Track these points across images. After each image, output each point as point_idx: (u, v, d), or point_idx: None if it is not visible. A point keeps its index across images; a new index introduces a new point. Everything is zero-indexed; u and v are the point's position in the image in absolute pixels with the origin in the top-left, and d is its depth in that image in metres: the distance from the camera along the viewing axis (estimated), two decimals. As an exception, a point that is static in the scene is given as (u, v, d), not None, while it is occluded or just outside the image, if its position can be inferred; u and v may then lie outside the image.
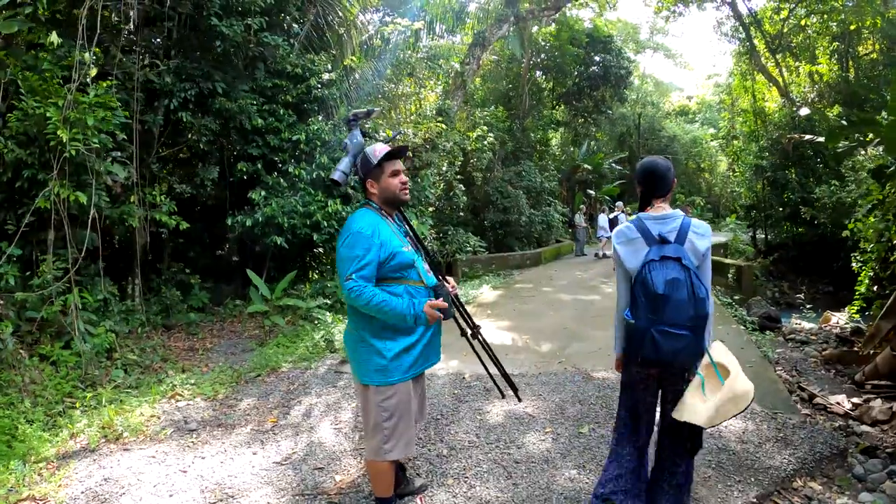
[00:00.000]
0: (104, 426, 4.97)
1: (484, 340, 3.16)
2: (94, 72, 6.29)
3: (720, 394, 2.58)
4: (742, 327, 8.92)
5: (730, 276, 14.56)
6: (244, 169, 9.69)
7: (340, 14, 12.71)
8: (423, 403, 3.15)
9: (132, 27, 7.25)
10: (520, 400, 3.55)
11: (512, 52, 23.25)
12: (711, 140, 37.36)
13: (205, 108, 9.15)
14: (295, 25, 11.15)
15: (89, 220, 6.33)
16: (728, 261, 16.39)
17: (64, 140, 5.77)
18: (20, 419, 4.93)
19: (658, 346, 2.53)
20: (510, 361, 6.59)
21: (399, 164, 2.83)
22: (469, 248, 14.58)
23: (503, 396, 3.62)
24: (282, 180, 9.72)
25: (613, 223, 17.76)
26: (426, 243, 13.05)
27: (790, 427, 4.58)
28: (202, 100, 9.08)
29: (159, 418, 5.23)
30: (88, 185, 6.46)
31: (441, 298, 2.78)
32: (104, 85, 6.36)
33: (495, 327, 8.48)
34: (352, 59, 12.88)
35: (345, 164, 2.79)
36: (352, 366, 2.93)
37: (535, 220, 18.69)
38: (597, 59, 25.87)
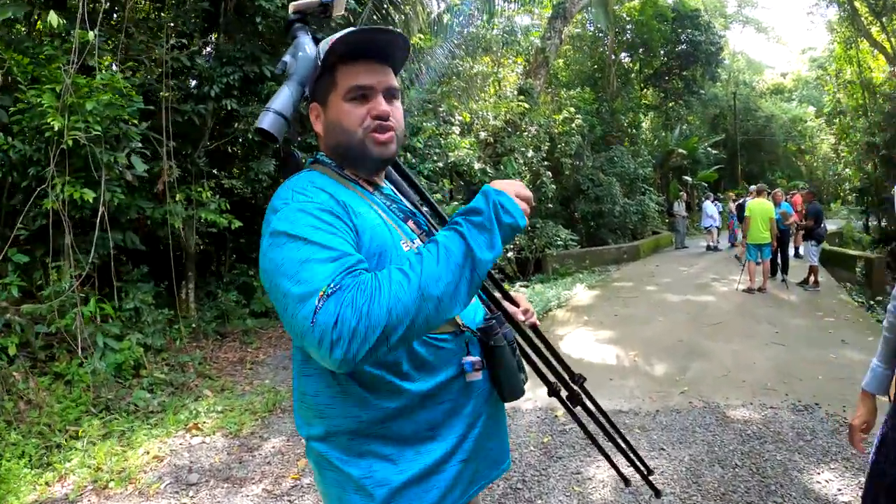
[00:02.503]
0: (98, 467, 4.04)
1: (593, 403, 1.72)
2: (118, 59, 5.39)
3: None
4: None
5: (858, 270, 12.38)
6: (303, 160, 8.70)
7: (404, -10, 11.58)
8: None
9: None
10: (658, 494, 1.94)
11: (594, 33, 21.64)
12: (817, 118, 33.90)
13: (254, 94, 8.21)
14: (352, 2, 10.10)
15: (98, 221, 5.38)
16: (854, 252, 14.17)
17: (56, 128, 4.81)
18: (9, 452, 4.09)
19: None
20: (617, 390, 5.14)
21: (374, 74, 1.32)
22: (560, 242, 13.07)
23: (627, 485, 1.96)
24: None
25: (741, 210, 15.72)
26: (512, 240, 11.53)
27: None
28: (249, 85, 8.14)
29: (161, 461, 4.17)
30: (109, 181, 5.59)
31: (496, 355, 1.35)
32: (105, 62, 5.39)
33: (594, 338, 6.98)
34: (419, 38, 11.70)
35: (282, 97, 1.29)
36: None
37: (630, 210, 16.91)
38: (683, 36, 23.69)
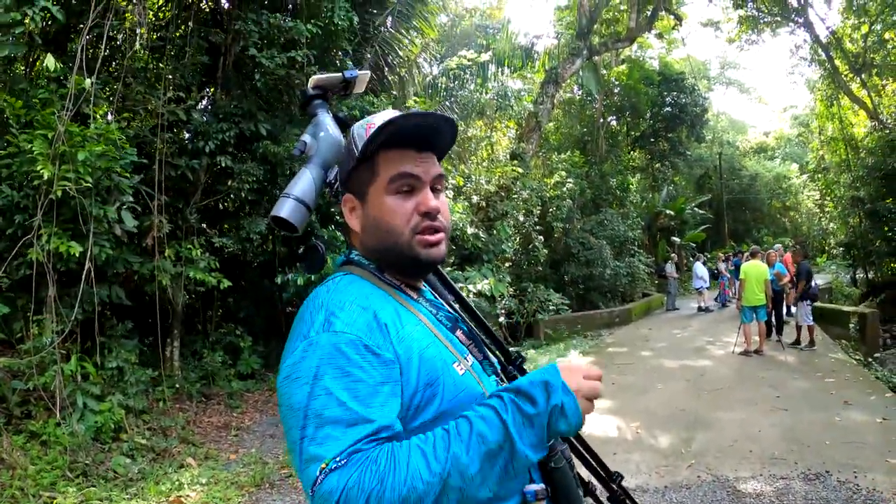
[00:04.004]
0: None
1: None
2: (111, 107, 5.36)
3: None
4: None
5: (851, 326, 12.34)
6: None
7: (401, 54, 11.84)
8: None
9: (137, 47, 6.24)
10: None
11: (583, 97, 22.22)
12: (801, 174, 34.67)
13: (248, 152, 8.19)
14: (350, 63, 10.25)
15: (84, 275, 5.22)
16: (848, 308, 14.15)
17: (46, 177, 4.70)
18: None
19: None
20: (622, 465, 4.91)
21: (421, 162, 1.18)
22: (552, 307, 12.91)
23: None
24: (338, 233, 8.56)
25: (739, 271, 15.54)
26: (503, 305, 11.49)
27: None
28: (244, 143, 8.13)
29: (142, 541, 3.88)
30: (97, 234, 5.46)
31: (557, 477, 1.18)
32: (100, 111, 5.34)
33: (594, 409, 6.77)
34: (414, 101, 11.89)
35: (303, 183, 1.17)
36: None
37: (621, 273, 16.91)
38: (668, 99, 24.45)
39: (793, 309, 12.40)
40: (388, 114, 1.20)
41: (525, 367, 1.36)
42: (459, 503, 0.94)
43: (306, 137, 1.24)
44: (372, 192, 1.18)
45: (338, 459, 0.91)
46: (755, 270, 9.86)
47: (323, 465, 0.92)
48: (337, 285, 1.14)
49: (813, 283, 10.53)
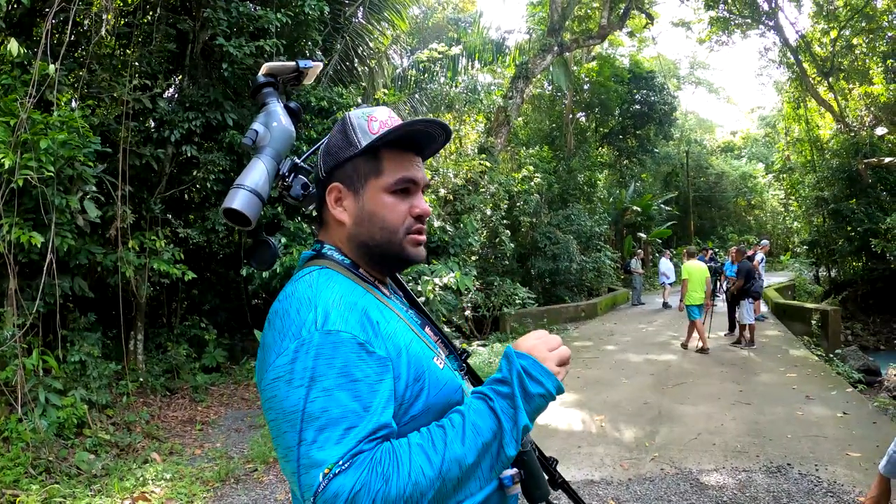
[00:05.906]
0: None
1: (570, 490, 1.55)
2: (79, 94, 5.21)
3: None
4: (861, 392, 7.43)
5: (814, 322, 12.68)
6: (262, 213, 8.48)
7: (371, 45, 11.74)
8: None
9: (103, 33, 6.08)
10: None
11: (553, 93, 22.34)
12: (767, 174, 35.42)
13: (214, 141, 8.05)
14: (319, 53, 10.13)
15: (45, 266, 5.09)
16: (811, 305, 14.53)
17: (7, 166, 4.57)
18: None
19: None
20: (586, 458, 5.01)
21: (419, 167, 1.21)
22: (518, 301, 12.98)
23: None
24: (305, 225, 8.47)
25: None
26: (469, 298, 11.45)
27: None
28: (211, 132, 8.00)
29: (104, 538, 3.82)
30: (59, 224, 5.32)
31: (524, 460, 1.19)
32: (64, 98, 5.21)
33: (558, 402, 6.80)
34: (384, 93, 11.81)
35: (256, 173, 1.15)
36: None
37: (587, 268, 17.10)
38: (638, 96, 24.78)
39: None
40: (386, 110, 1.22)
41: (469, 361, 1.39)
42: (454, 494, 0.97)
43: (258, 127, 1.21)
44: (372, 187, 1.17)
45: (341, 463, 0.91)
46: (699, 270, 10.06)
47: (326, 470, 0.91)
48: (317, 280, 1.10)
49: (753, 282, 10.57)
